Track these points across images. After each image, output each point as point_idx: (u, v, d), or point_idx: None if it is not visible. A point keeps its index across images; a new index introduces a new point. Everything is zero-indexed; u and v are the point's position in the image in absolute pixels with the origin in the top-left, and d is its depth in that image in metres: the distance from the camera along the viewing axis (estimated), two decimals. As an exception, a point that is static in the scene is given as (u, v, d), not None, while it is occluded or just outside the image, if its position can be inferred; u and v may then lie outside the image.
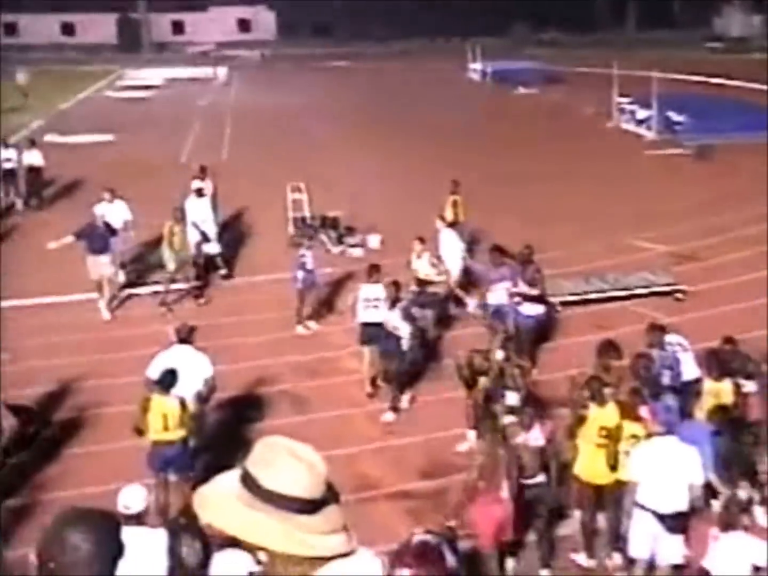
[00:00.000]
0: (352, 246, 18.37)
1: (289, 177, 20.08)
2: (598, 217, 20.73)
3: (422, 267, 14.36)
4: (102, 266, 15.29)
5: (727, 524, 7.67)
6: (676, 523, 8.20)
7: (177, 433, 9.52)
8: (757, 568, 7.57)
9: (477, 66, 46.35)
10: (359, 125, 32.99)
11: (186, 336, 10.66)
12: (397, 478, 10.59)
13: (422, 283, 14.29)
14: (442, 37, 58.17)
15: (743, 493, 8.25)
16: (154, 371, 9.96)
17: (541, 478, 8.74)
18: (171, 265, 15.72)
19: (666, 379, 10.07)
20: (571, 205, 21.94)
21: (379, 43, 59.50)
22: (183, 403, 9.55)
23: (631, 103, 32.37)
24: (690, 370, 10.46)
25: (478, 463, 8.69)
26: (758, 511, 8.34)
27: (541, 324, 13.42)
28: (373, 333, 12.29)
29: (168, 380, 9.52)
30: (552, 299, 14.64)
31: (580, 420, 9.01)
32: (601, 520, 9.24)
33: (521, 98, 40.09)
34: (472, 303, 14.74)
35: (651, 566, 8.46)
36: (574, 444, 9.03)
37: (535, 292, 12.88)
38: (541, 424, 8.89)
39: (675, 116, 30.05)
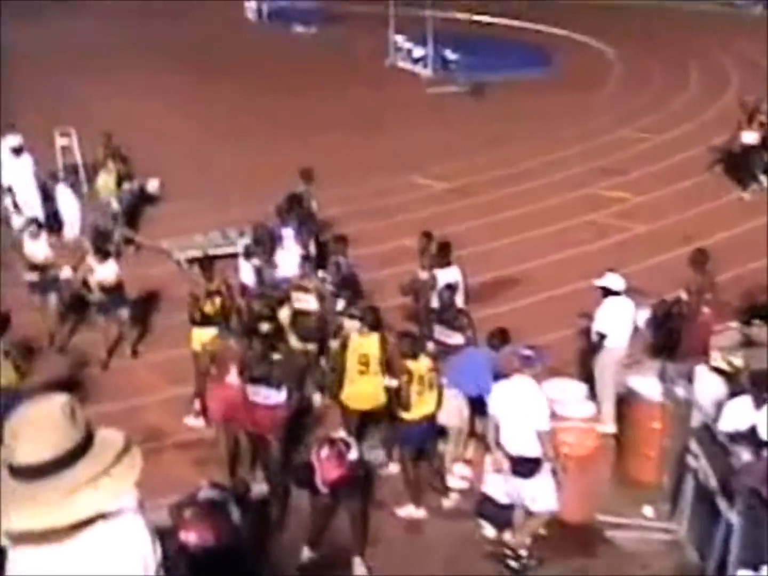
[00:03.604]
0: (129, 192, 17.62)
1: (56, 121, 19.01)
2: (377, 155, 20.91)
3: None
4: None
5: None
6: (524, 467, 8.10)
7: None
8: None
9: (252, 5, 45.41)
10: (128, 63, 31.64)
11: None
12: (184, 427, 10.41)
13: None
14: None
15: None
16: None
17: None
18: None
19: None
20: (348, 143, 22.01)
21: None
22: None
23: (407, 41, 32.65)
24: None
25: (210, 349, 9.57)
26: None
27: None
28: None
29: None
30: (180, 255, 14.92)
31: (342, 348, 9.45)
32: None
33: (298, 37, 39.67)
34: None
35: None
36: (340, 371, 9.45)
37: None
38: None
39: (450, 54, 30.59)
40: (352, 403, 9.53)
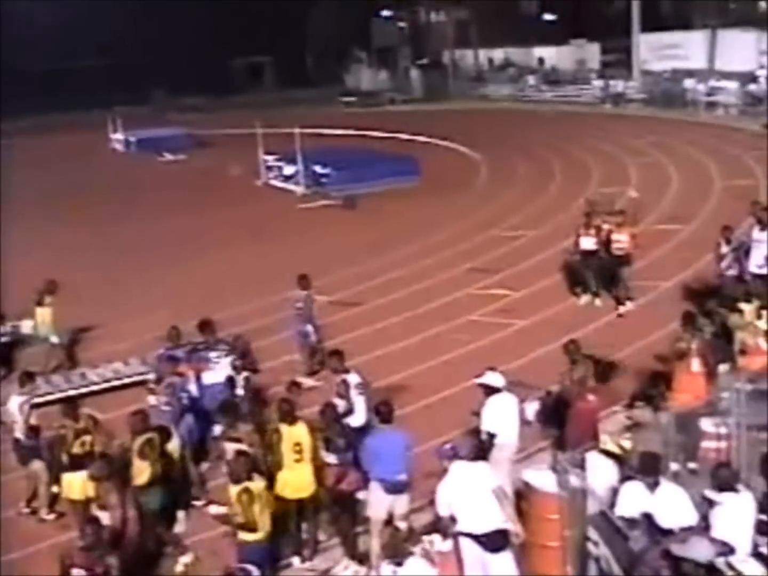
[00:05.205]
0: (2, 335, 17.10)
1: None
2: (254, 274, 20.95)
3: None
4: None
5: (393, 557, 7.93)
6: (497, 540, 8.50)
7: None
8: None
9: (119, 136, 45.51)
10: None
11: None
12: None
13: None
14: (77, 110, 56.38)
15: (402, 524, 8.60)
16: None
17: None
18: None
19: (185, 401, 11.78)
20: (226, 265, 22.09)
21: (9, 118, 56.48)
22: None
23: (277, 160, 33.16)
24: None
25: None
26: (435, 537, 8.72)
27: None
28: None
29: None
30: None
31: (276, 438, 9.85)
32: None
33: (168, 165, 39.86)
34: None
35: None
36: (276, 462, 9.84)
37: None
38: None
39: (320, 169, 31.16)
40: (288, 492, 9.83)
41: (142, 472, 10.06)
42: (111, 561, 8.33)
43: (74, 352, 16.75)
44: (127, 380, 14.97)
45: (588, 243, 17.40)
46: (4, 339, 16.68)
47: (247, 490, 8.96)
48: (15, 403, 11.55)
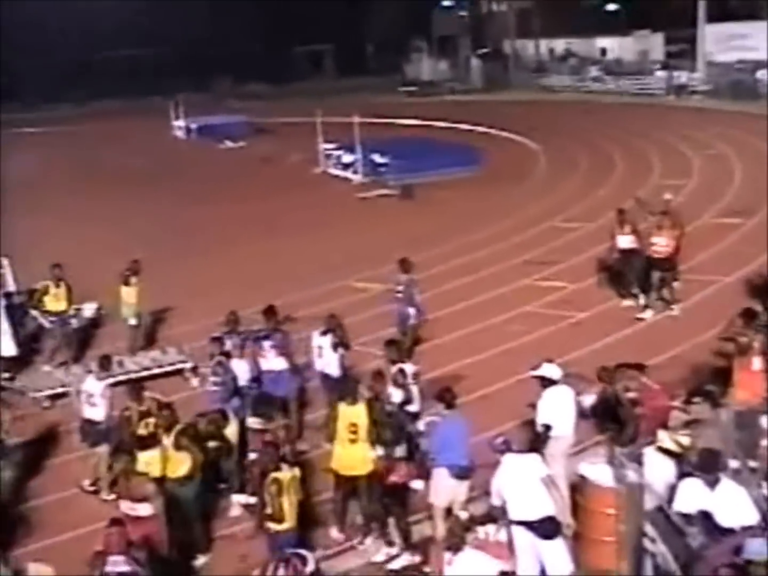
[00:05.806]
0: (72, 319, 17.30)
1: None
2: (314, 263, 21.03)
3: None
4: None
5: (454, 545, 7.93)
6: (547, 527, 8.60)
7: None
8: None
9: (181, 123, 45.94)
10: (61, 193, 31.59)
11: None
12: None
13: None
14: (140, 96, 57.10)
15: (463, 513, 8.63)
16: None
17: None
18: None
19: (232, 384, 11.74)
20: (282, 250, 22.27)
21: (74, 106, 57.32)
22: None
23: (336, 148, 33.21)
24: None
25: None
26: (490, 528, 8.72)
27: None
28: None
29: None
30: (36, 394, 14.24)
31: (332, 416, 10.07)
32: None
33: (228, 152, 40.17)
34: None
35: None
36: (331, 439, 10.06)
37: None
38: None
39: (379, 158, 31.13)
40: (342, 469, 10.04)
41: (179, 464, 9.99)
42: (140, 555, 8.29)
43: (154, 334, 16.94)
44: (160, 369, 15.04)
45: (625, 242, 16.81)
46: (77, 323, 16.66)
47: (276, 480, 8.92)
48: (96, 386, 11.64)
